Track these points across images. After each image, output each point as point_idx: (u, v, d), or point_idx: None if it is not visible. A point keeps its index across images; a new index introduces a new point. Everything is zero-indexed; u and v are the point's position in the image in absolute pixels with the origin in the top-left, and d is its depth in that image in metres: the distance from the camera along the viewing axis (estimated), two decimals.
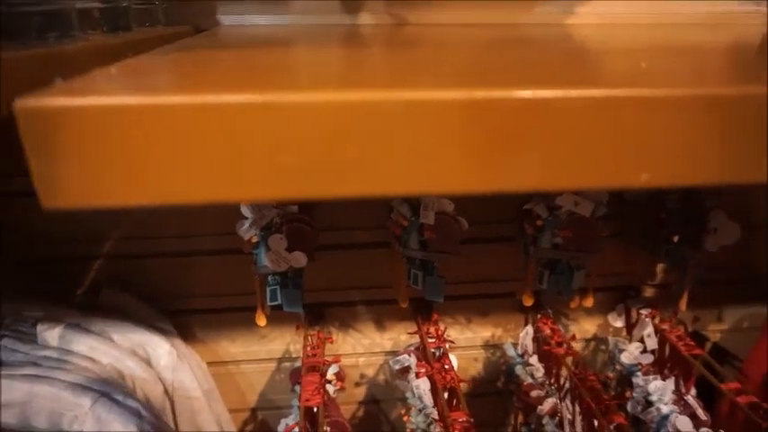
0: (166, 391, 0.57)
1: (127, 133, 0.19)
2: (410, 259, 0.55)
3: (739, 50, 0.44)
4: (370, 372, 0.72)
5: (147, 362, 0.56)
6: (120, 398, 0.46)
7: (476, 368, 0.74)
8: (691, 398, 0.63)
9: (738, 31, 0.57)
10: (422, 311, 0.66)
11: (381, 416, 0.75)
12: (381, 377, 0.72)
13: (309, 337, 0.61)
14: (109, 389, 0.46)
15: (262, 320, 0.53)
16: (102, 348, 0.53)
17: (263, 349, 0.69)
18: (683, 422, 0.60)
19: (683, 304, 0.62)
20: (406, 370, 0.63)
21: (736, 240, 0.56)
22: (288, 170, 0.21)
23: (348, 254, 0.65)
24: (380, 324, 0.70)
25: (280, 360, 0.69)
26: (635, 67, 0.30)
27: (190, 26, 0.53)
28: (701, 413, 0.61)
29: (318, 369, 0.55)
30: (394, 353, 0.68)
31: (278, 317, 0.56)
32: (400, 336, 0.70)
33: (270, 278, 0.52)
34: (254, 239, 0.50)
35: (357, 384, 0.72)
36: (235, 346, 0.68)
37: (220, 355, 0.69)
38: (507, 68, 0.30)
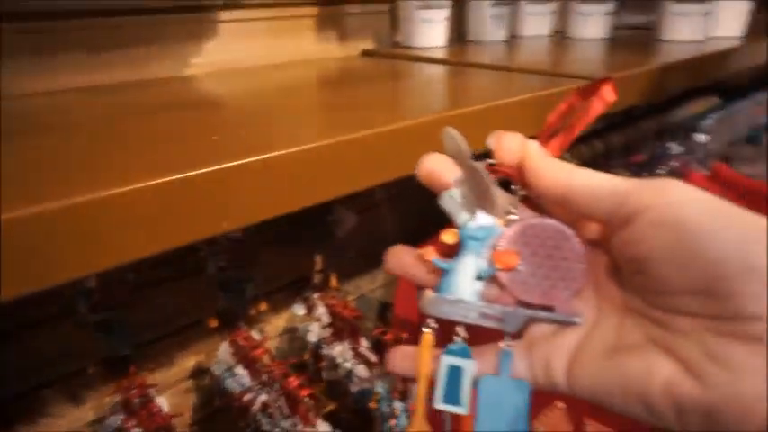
0: None
1: None
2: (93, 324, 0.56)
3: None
4: None
5: None
6: None
7: (191, 398, 0.78)
8: (363, 349, 0.81)
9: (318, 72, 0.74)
10: (118, 369, 0.66)
11: None
12: None
13: None
14: None
15: None
16: None
17: None
18: (360, 370, 0.77)
19: (333, 281, 0.79)
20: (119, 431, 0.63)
21: (354, 225, 0.74)
22: None
23: (18, 335, 0.61)
24: (78, 398, 0.67)
25: None
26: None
27: None
28: (371, 357, 0.79)
29: None
30: (100, 420, 0.67)
31: None
32: (102, 400, 0.68)
33: None
34: None
35: None
36: None
37: None
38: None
